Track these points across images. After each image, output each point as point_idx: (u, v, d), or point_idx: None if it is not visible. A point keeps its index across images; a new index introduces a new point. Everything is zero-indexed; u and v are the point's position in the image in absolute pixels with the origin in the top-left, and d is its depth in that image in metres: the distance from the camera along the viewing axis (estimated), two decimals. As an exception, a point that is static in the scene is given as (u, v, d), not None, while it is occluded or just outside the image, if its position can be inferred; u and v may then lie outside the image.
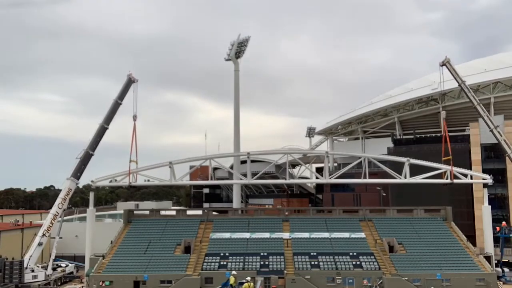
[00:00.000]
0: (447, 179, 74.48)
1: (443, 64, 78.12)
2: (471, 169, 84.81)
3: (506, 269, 73.77)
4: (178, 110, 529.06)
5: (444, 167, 74.82)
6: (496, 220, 79.14)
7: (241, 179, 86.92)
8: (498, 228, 76.79)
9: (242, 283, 48.48)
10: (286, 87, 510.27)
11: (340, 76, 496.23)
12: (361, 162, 77.57)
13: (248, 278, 51.18)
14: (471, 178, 76.68)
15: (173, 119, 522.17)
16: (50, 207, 78.12)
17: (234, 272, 57.32)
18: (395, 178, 75.71)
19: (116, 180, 77.80)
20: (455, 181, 74.50)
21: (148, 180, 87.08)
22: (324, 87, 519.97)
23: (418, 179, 75.31)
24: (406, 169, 74.91)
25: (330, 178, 79.49)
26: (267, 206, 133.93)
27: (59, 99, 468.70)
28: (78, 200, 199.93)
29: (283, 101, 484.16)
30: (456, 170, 74.66)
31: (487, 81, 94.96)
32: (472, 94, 79.03)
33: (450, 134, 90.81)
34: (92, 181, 78.45)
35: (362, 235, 75.98)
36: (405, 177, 74.89)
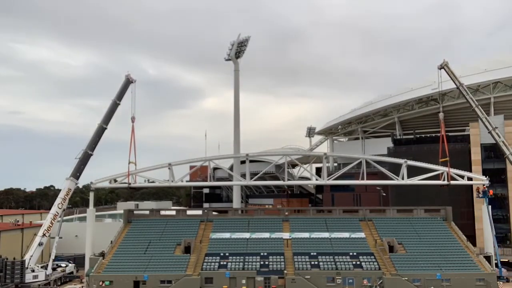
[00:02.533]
0: (444, 180, 74.65)
1: (441, 67, 78.14)
2: (471, 169, 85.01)
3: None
4: (171, 92, 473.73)
5: (441, 169, 74.98)
6: (496, 221, 79.17)
7: (240, 180, 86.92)
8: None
9: None
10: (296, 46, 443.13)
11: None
12: (360, 162, 77.74)
13: None
14: (468, 179, 76.82)
15: (167, 105, 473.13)
16: (50, 207, 78.09)
17: None
18: (393, 179, 75.87)
19: (116, 181, 77.91)
20: (452, 182, 74.70)
21: (148, 181, 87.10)
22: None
23: (415, 181, 75.53)
24: (404, 170, 75.05)
25: (328, 179, 79.46)
26: (267, 206, 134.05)
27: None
28: (78, 200, 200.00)
29: (291, 72, 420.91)
30: (453, 171, 74.81)
31: (487, 81, 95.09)
32: (471, 96, 79.08)
33: (450, 134, 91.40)
34: (91, 183, 78.52)
35: (362, 235, 75.98)
36: (403, 178, 75.05)
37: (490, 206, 75.05)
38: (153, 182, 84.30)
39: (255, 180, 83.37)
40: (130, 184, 77.03)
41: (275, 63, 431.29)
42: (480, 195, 75.67)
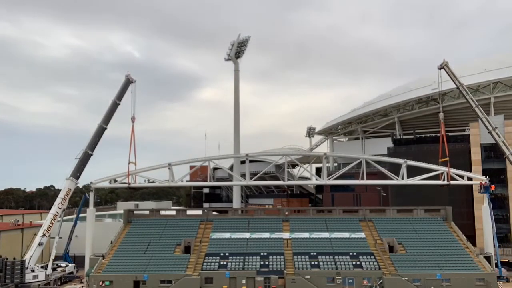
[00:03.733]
0: (444, 180, 74.61)
1: (441, 67, 78.10)
2: (471, 169, 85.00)
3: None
4: (162, 80, 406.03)
5: (441, 169, 74.96)
6: (496, 220, 79.02)
7: (240, 180, 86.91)
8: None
9: None
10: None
11: None
12: (361, 162, 77.75)
13: None
14: (468, 179, 76.78)
15: (159, 95, 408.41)
16: (50, 207, 78.15)
17: None
18: (393, 179, 75.82)
19: (115, 181, 77.90)
20: (452, 182, 74.65)
21: (148, 181, 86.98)
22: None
23: (416, 181, 75.57)
24: (404, 170, 75.04)
25: (328, 180, 79.45)
26: (267, 206, 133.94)
27: None
28: (78, 200, 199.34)
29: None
30: (453, 171, 74.79)
31: (487, 81, 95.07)
32: (471, 96, 79.10)
33: (450, 134, 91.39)
34: (91, 183, 78.50)
35: (362, 235, 75.99)
36: (403, 178, 75.05)
37: (491, 203, 74.98)
38: (153, 182, 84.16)
39: (255, 180, 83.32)
40: (130, 184, 77.03)
41: (278, 40, 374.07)
42: (482, 191, 75.47)
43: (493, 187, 75.20)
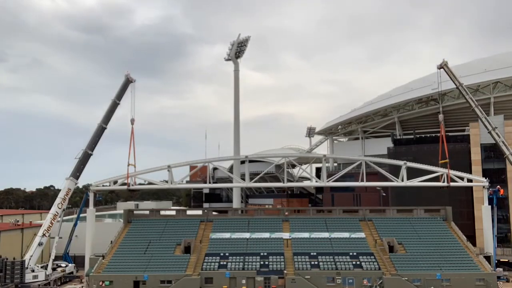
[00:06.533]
0: (444, 181, 74.60)
1: (441, 67, 78.03)
2: (471, 168, 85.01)
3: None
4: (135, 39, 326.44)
5: (441, 170, 74.90)
6: (496, 221, 79.07)
7: (240, 181, 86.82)
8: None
9: None
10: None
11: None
12: (361, 163, 77.73)
13: None
14: (468, 181, 76.76)
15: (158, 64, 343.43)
16: (50, 207, 78.17)
17: None
18: (392, 181, 75.82)
19: (115, 183, 77.81)
20: (452, 184, 74.62)
21: (147, 182, 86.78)
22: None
23: (415, 182, 75.50)
24: (403, 172, 74.98)
25: (328, 181, 79.34)
26: (267, 206, 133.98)
27: None
28: (78, 200, 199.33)
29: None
30: (453, 173, 74.76)
31: (487, 81, 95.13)
32: (470, 96, 78.99)
33: (450, 134, 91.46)
34: (90, 185, 78.51)
35: (362, 235, 75.97)
36: (402, 180, 75.01)
37: (496, 208, 74.98)
38: (152, 184, 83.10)
39: (254, 182, 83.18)
40: (129, 186, 76.86)
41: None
42: (491, 195, 75.48)
43: (502, 191, 75.28)
